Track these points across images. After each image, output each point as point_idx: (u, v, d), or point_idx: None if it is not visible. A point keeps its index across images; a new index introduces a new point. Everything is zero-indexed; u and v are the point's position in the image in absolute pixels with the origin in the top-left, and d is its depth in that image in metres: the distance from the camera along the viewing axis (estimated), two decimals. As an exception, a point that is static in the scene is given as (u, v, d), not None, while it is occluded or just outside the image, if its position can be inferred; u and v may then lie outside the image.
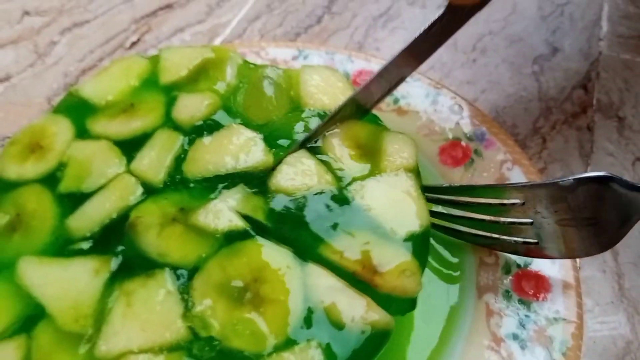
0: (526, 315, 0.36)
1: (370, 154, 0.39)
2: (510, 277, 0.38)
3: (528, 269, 0.38)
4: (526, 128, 0.51)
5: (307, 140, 0.39)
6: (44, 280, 0.34)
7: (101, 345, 0.31)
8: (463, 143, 0.45)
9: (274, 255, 0.34)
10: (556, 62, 0.57)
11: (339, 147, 0.39)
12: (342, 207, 0.36)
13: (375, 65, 0.51)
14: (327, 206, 0.36)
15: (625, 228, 0.33)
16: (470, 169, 0.44)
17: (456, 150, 0.45)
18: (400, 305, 0.32)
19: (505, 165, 0.43)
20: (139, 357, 0.31)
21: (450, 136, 0.46)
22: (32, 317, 0.33)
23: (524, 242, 0.37)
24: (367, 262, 0.33)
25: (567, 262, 0.38)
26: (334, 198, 0.36)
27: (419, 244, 0.34)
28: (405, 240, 0.34)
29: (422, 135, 0.46)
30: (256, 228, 0.35)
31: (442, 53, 0.58)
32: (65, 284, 0.34)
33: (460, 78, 0.56)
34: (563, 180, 0.34)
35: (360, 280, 0.33)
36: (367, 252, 0.34)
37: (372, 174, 0.37)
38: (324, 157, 0.38)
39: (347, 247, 0.34)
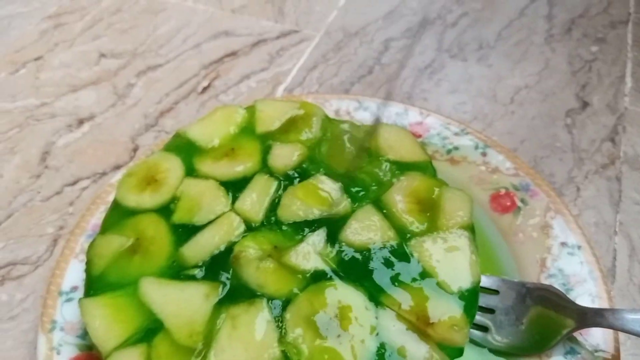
0: (571, 348, 0.42)
1: (430, 209, 0.45)
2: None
3: (572, 307, 0.44)
4: (562, 177, 0.57)
5: None
6: (163, 299, 0.41)
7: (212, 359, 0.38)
8: (511, 192, 0.51)
9: (352, 297, 0.40)
10: (586, 116, 0.64)
11: (401, 202, 0.45)
12: (402, 262, 0.42)
13: (429, 120, 0.57)
14: (389, 260, 0.42)
15: None
16: (517, 216, 0.50)
17: (505, 199, 0.51)
18: (449, 351, 0.38)
19: (548, 214, 0.49)
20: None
21: (499, 186, 0.52)
22: (152, 330, 0.40)
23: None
24: (421, 314, 0.39)
25: (605, 302, 0.44)
26: (395, 253, 0.42)
27: (469, 299, 0.40)
28: (457, 295, 0.40)
29: (474, 184, 0.52)
30: (335, 272, 0.42)
31: (484, 105, 0.65)
32: (181, 304, 0.40)
33: (501, 129, 0.62)
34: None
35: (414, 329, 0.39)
36: (422, 305, 0.40)
37: (429, 230, 0.44)
38: (388, 212, 0.45)
39: (404, 299, 0.40)
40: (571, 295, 0.45)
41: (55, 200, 0.58)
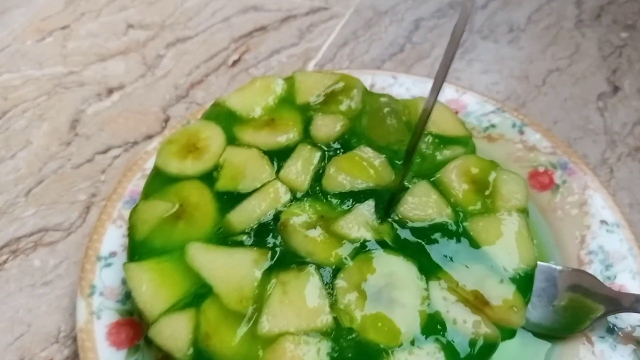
0: (614, 324, 0.42)
1: (485, 190, 0.44)
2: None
3: (614, 282, 0.44)
4: (595, 158, 0.57)
5: None
6: (212, 265, 0.40)
7: (264, 324, 0.37)
8: (549, 170, 0.51)
9: (403, 267, 0.40)
10: (618, 100, 0.64)
11: (457, 181, 0.45)
12: (460, 241, 0.42)
13: (465, 97, 0.57)
14: (446, 238, 0.42)
15: None
16: (557, 194, 0.50)
17: (543, 177, 0.51)
18: (503, 332, 0.38)
19: (587, 192, 0.49)
20: (295, 337, 0.37)
21: (537, 164, 0.52)
22: (201, 295, 0.39)
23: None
24: (479, 294, 0.39)
25: (646, 279, 0.44)
26: (452, 231, 0.42)
27: (526, 282, 0.40)
28: (515, 278, 0.40)
29: (512, 161, 0.52)
30: (384, 243, 0.41)
31: (517, 86, 0.65)
32: (230, 269, 0.40)
33: (534, 109, 0.62)
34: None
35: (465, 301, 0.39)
36: (480, 285, 0.39)
37: (487, 211, 0.43)
38: (444, 190, 0.44)
39: (462, 278, 0.40)
40: (611, 272, 0.45)
41: (86, 167, 0.58)
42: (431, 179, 0.45)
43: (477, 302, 0.39)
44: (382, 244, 0.41)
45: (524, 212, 0.44)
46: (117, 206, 0.50)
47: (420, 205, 0.43)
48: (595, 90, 0.65)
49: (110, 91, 0.64)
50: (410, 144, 0.41)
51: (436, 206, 0.43)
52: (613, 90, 0.65)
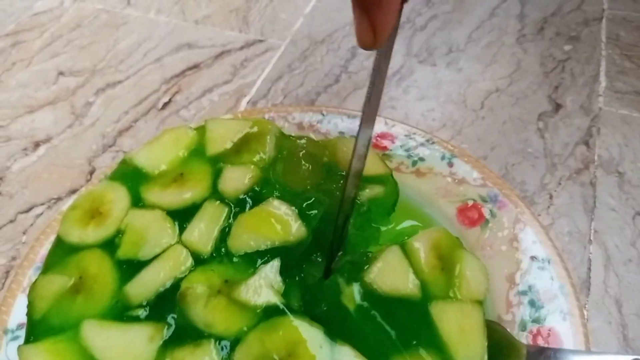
0: (541, 370, 0.40)
1: (450, 271, 0.41)
2: (526, 334, 0.42)
3: (543, 325, 0.42)
4: (534, 185, 0.55)
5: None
6: (105, 344, 0.38)
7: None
8: (478, 204, 0.49)
9: (307, 333, 0.37)
10: (559, 118, 0.61)
11: (425, 254, 0.41)
12: (422, 324, 0.38)
13: (394, 130, 0.55)
14: (410, 319, 0.38)
15: None
16: (485, 230, 0.48)
17: (472, 211, 0.49)
18: None
19: (517, 226, 0.47)
20: None
21: (467, 197, 0.50)
22: None
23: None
24: None
25: (577, 319, 0.42)
26: (417, 312, 0.39)
27: None
28: None
29: (440, 197, 0.50)
30: (287, 306, 0.39)
31: (453, 111, 0.63)
32: (124, 349, 0.38)
33: (471, 135, 0.60)
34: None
35: None
36: None
37: (450, 297, 0.39)
38: (413, 262, 0.40)
39: None
40: (541, 313, 0.43)
41: (7, 229, 0.55)
42: (401, 245, 0.41)
43: None
44: (288, 308, 0.39)
45: (482, 304, 0.40)
46: (27, 273, 0.47)
47: (393, 274, 0.40)
48: (536, 109, 0.63)
49: (36, 145, 0.63)
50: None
51: (408, 280, 0.39)
52: (555, 108, 0.63)
